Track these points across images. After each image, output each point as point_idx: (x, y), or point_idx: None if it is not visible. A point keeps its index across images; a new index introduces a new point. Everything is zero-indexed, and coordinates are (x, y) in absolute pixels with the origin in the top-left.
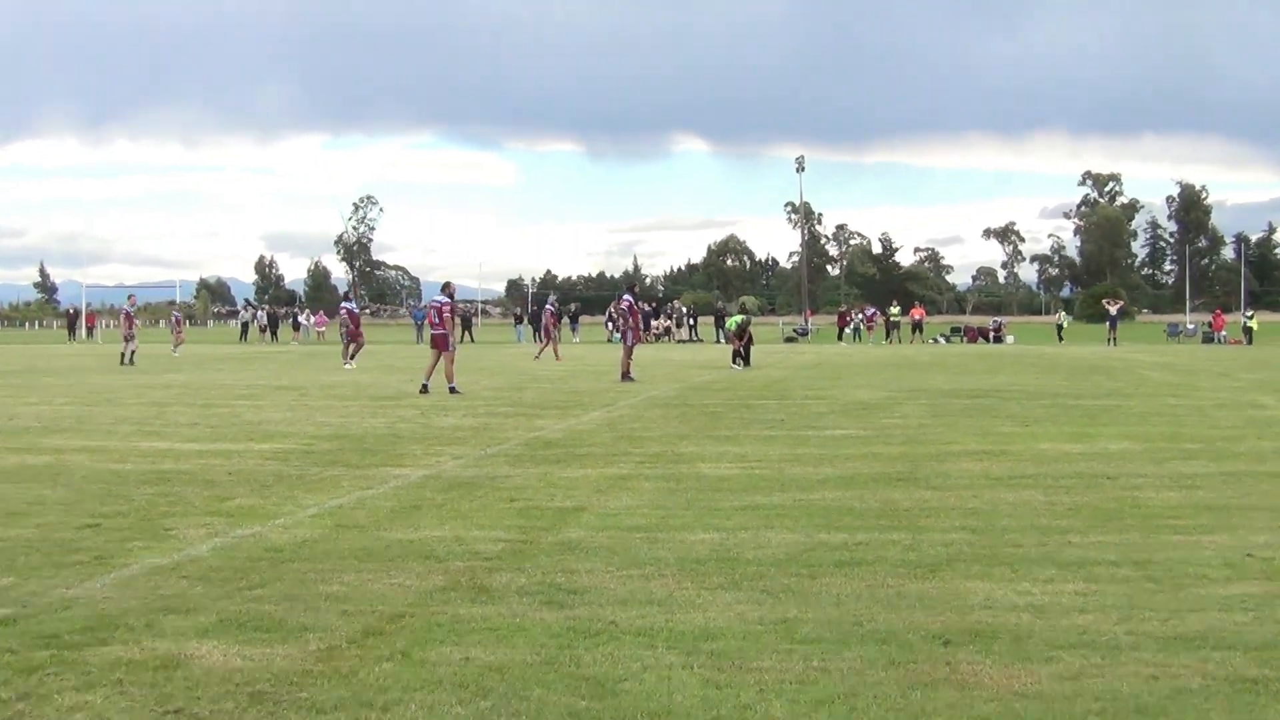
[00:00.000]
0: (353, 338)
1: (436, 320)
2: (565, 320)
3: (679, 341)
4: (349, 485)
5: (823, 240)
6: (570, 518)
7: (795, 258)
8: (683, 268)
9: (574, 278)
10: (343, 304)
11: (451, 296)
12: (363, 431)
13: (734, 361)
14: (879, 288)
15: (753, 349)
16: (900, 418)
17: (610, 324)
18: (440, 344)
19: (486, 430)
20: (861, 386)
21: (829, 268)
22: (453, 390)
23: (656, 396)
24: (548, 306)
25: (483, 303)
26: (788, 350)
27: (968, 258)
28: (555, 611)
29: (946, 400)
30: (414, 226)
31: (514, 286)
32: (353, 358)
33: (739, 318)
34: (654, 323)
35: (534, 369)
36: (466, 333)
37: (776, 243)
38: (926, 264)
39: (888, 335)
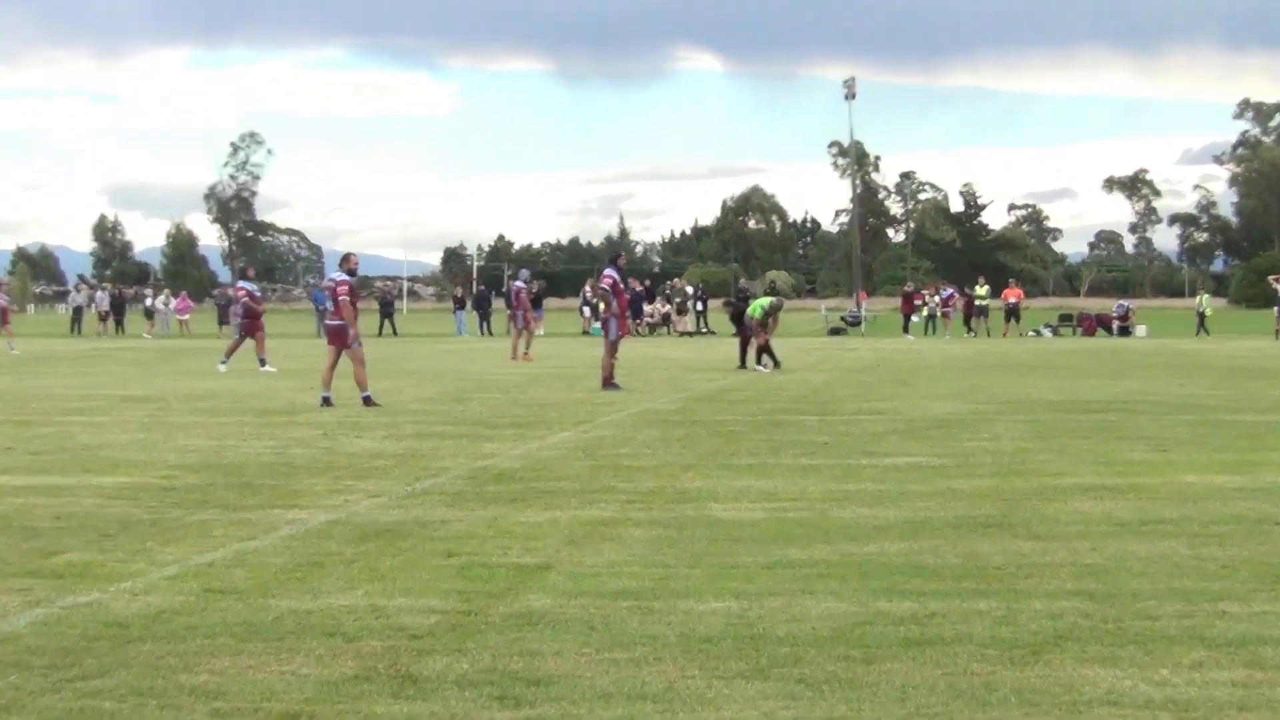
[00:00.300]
0: (249, 332)
1: (333, 306)
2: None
3: (682, 334)
4: (223, 535)
5: (881, 195)
6: (531, 579)
7: (844, 218)
8: (687, 232)
9: (536, 246)
10: (239, 283)
11: (353, 273)
12: (243, 459)
13: (759, 361)
14: (959, 260)
15: (773, 344)
16: (989, 440)
17: (587, 310)
18: (338, 339)
19: (415, 457)
20: (936, 396)
21: (890, 232)
22: (367, 401)
23: (651, 411)
24: (518, 284)
25: (410, 280)
26: (833, 346)
27: (1083, 218)
28: (510, 711)
29: (1054, 416)
30: (315, 175)
31: (453, 258)
32: (231, 354)
33: (766, 301)
34: (647, 308)
35: (487, 373)
36: (386, 322)
37: (817, 198)
38: (1025, 227)
39: (968, 324)
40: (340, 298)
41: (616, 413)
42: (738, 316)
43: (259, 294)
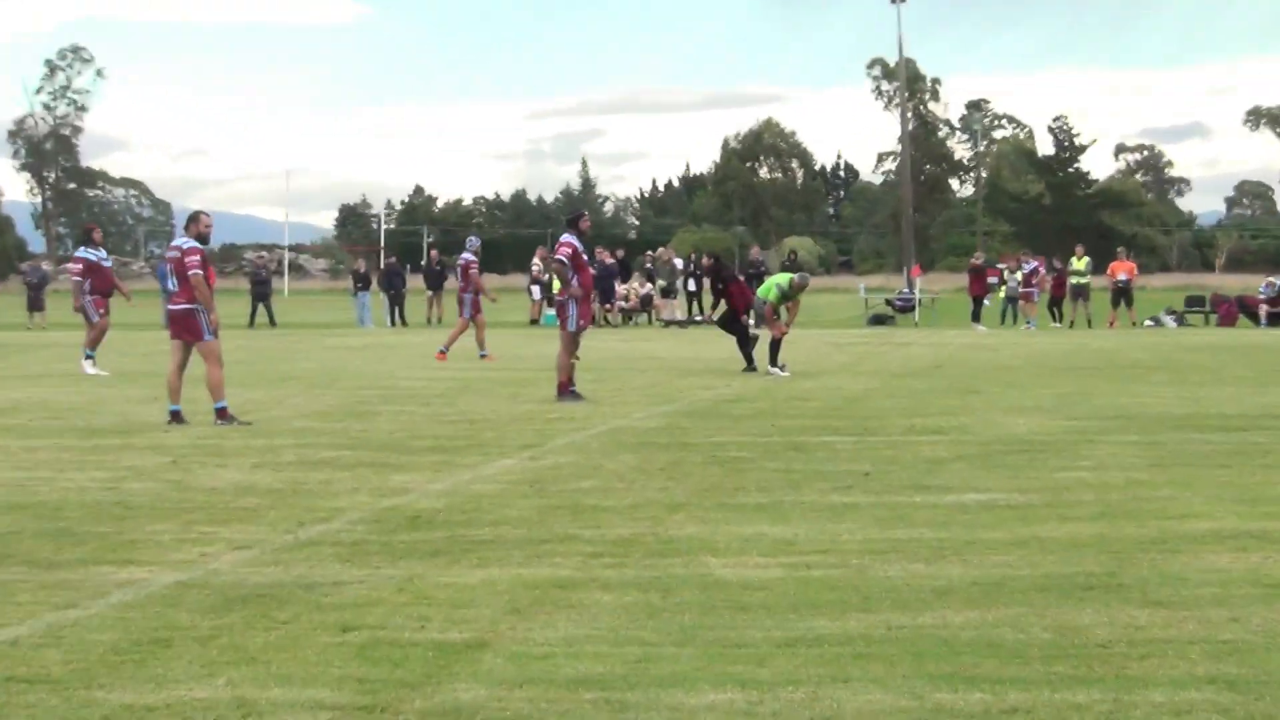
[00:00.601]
0: (88, 316)
1: (178, 284)
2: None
3: (668, 323)
4: (31, 601)
5: (942, 132)
6: (459, 662)
7: (890, 165)
8: (675, 184)
9: (467, 202)
10: (80, 250)
11: (204, 238)
12: (60, 498)
13: (773, 361)
14: (1049, 221)
15: (784, 339)
16: (1090, 469)
17: (537, 290)
18: (185, 328)
19: (298, 494)
20: (1017, 409)
21: (954, 183)
22: (223, 415)
23: (626, 429)
24: (467, 255)
25: (294, 251)
26: (876, 340)
27: (1218, 165)
28: None
29: (1179, 436)
30: (163, 107)
31: (353, 220)
32: (90, 354)
33: (784, 278)
34: (621, 288)
35: (400, 377)
36: (260, 306)
37: (853, 137)
38: (1140, 177)
39: (1056, 310)
40: (190, 272)
41: (578, 432)
42: (723, 288)
43: (109, 264)
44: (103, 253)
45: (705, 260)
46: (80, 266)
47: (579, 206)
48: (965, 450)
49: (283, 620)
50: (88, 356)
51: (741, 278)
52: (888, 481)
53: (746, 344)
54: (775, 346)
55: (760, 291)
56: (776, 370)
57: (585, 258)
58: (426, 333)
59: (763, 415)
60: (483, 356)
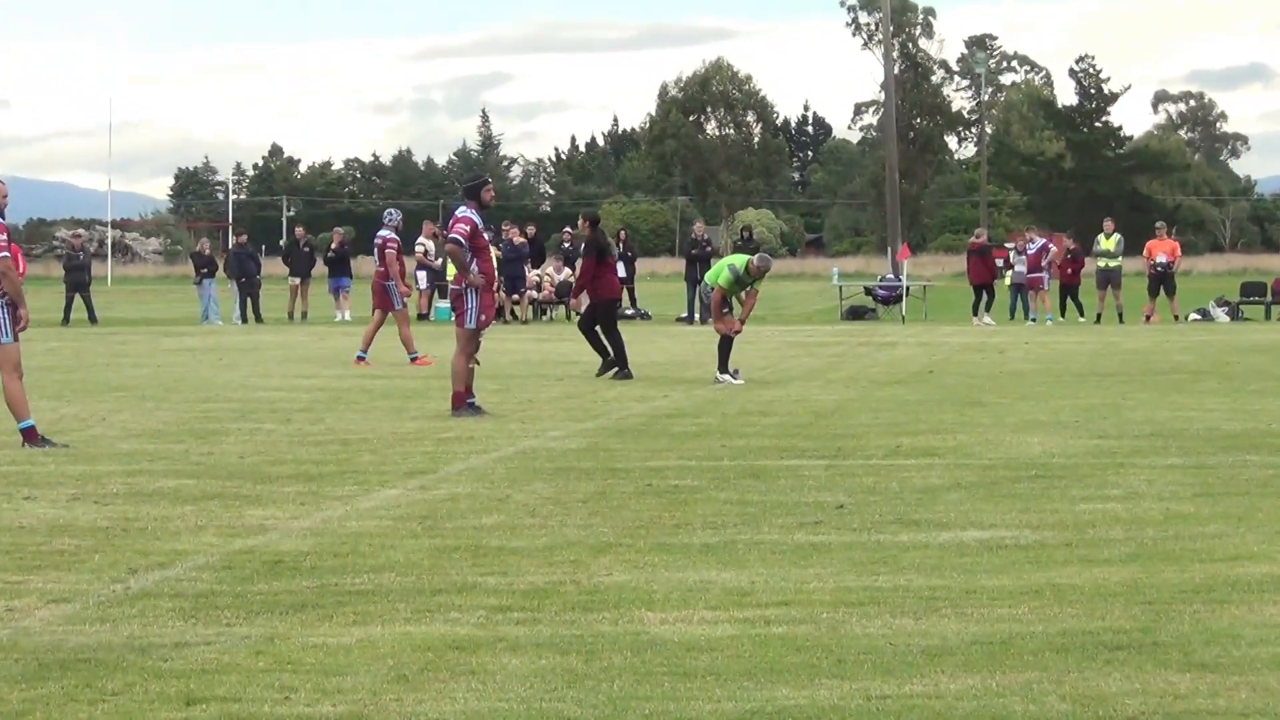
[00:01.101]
0: None
1: None
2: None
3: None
4: None
5: (936, 77)
6: None
7: (870, 118)
8: (600, 142)
9: (337, 166)
10: None
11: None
12: None
13: (722, 368)
14: (1071, 189)
15: (735, 338)
16: (1120, 499)
17: (424, 276)
18: None
19: (129, 534)
20: (1028, 425)
21: (951, 141)
22: (30, 437)
23: (539, 450)
24: (385, 232)
25: (119, 228)
26: (854, 338)
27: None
28: None
29: (1230, 459)
30: None
31: (193, 187)
32: None
33: (739, 260)
34: (532, 274)
35: (254, 387)
36: (77, 297)
37: (825, 82)
38: (1184, 133)
39: (1067, 299)
40: None
41: (479, 455)
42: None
43: None
44: None
45: (581, 223)
46: None
47: (479, 172)
48: (964, 477)
49: (112, 691)
50: None
51: (618, 261)
52: (867, 516)
53: (608, 344)
54: (725, 347)
55: (708, 276)
56: (727, 377)
57: (487, 237)
58: (288, 331)
59: (710, 434)
60: (414, 360)
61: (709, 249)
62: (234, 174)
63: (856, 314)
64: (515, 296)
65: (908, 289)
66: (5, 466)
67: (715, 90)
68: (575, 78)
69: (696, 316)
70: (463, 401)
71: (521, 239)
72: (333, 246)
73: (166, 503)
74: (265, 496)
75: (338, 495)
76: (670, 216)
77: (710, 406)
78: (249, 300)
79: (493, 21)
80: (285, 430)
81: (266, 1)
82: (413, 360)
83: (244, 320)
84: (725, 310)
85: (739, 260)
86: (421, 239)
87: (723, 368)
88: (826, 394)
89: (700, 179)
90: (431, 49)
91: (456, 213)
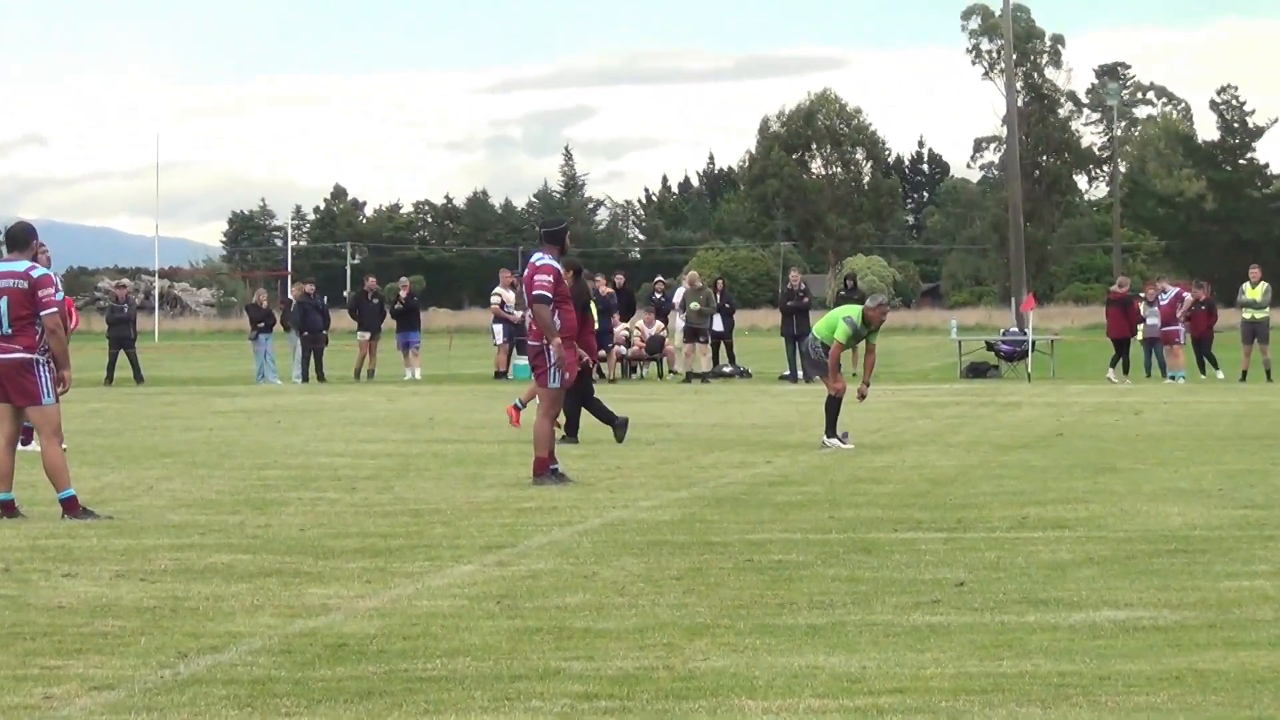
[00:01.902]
0: None
1: (9, 327)
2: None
3: (689, 377)
4: None
5: (1064, 111)
6: None
7: (992, 155)
8: (694, 182)
9: (406, 209)
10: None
11: (36, 256)
12: None
13: (830, 432)
14: (1211, 231)
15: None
16: (1269, 575)
17: (502, 330)
18: (16, 388)
19: (179, 614)
20: (1168, 494)
21: (1081, 181)
22: (71, 508)
23: (628, 522)
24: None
25: (168, 278)
26: (974, 398)
27: None
28: None
29: None
30: None
31: (248, 232)
32: None
33: (854, 310)
34: (621, 329)
35: (316, 451)
36: (122, 354)
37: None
38: None
39: (1204, 360)
40: (45, 311)
41: (563, 527)
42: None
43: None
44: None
45: (565, 272)
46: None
47: (560, 215)
48: (1097, 551)
49: None
50: None
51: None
52: (990, 594)
53: (587, 404)
54: (833, 409)
55: (818, 329)
56: (835, 441)
57: (568, 283)
58: (352, 390)
59: (817, 504)
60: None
61: (806, 300)
62: (293, 218)
63: (977, 371)
64: (602, 352)
65: (1033, 343)
66: (44, 540)
67: (821, 125)
68: (666, 111)
69: (800, 374)
70: (545, 468)
71: (609, 289)
72: (400, 297)
73: (219, 580)
74: (328, 573)
75: (407, 572)
76: (772, 264)
77: (817, 473)
78: (311, 356)
79: (575, 50)
80: (350, 500)
81: (327, 30)
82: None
83: (305, 379)
84: (837, 368)
85: (854, 311)
86: (498, 289)
87: (830, 431)
88: (945, 459)
89: (805, 223)
90: (508, 81)
91: (535, 261)
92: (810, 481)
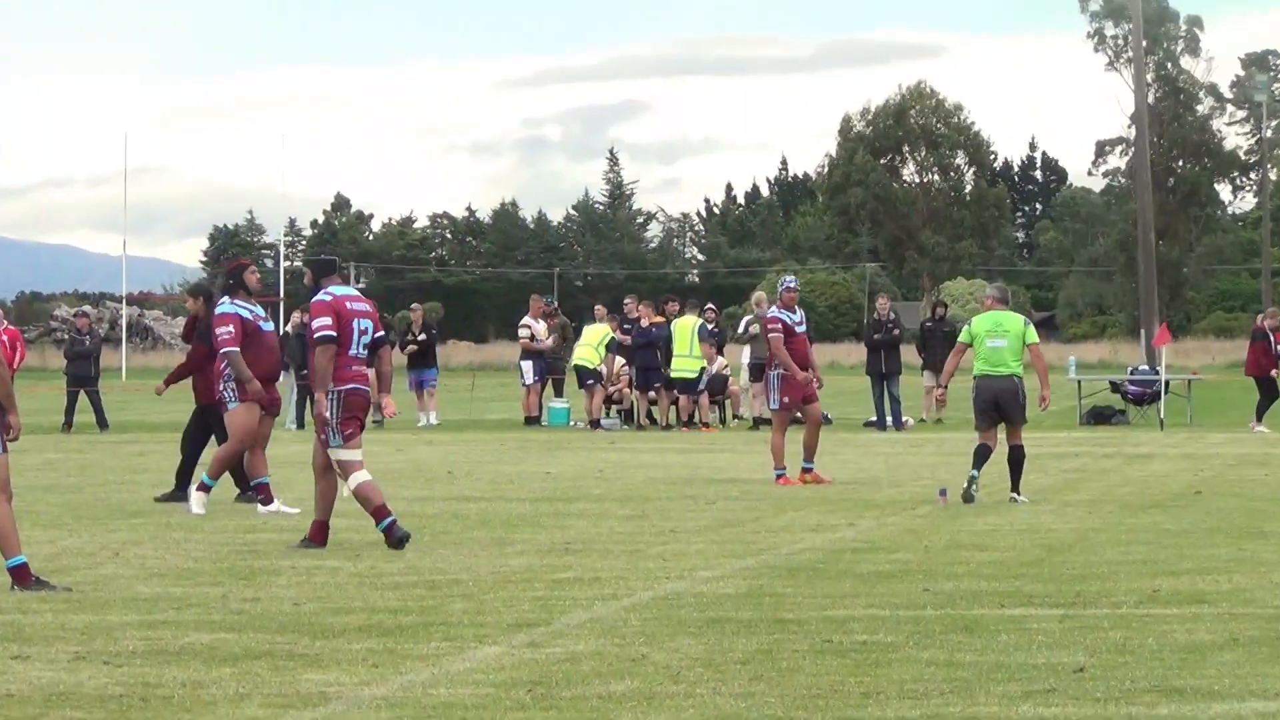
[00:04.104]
0: None
1: None
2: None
3: (756, 423)
4: None
5: (1203, 106)
6: None
7: (1117, 159)
8: (764, 191)
9: (421, 223)
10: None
11: None
12: None
13: (1016, 486)
14: None
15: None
16: None
17: (530, 369)
18: None
19: (150, 705)
20: None
21: (1223, 189)
22: (21, 578)
23: (684, 595)
24: (772, 311)
25: (133, 304)
26: (1095, 448)
27: None
28: None
29: None
30: None
31: (233, 250)
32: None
33: (980, 319)
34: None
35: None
36: (83, 394)
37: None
38: None
39: None
40: None
41: (606, 601)
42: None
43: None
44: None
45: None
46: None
47: (606, 226)
48: (1241, 630)
49: None
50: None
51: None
52: (1115, 681)
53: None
54: (980, 457)
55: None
56: (1017, 498)
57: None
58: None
59: (909, 574)
60: (779, 478)
61: (897, 332)
62: (286, 234)
63: (1100, 417)
64: (651, 394)
65: (1167, 384)
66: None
67: (914, 124)
68: (731, 109)
69: (889, 420)
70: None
71: (658, 318)
72: (413, 329)
73: (198, 663)
74: (327, 655)
75: (421, 654)
76: (855, 289)
77: (908, 539)
78: (309, 398)
79: (625, 37)
80: (353, 569)
81: (325, 14)
82: (778, 478)
83: (300, 425)
84: (987, 424)
85: (981, 323)
86: (527, 319)
87: (1016, 488)
88: (1061, 522)
89: (894, 240)
90: (545, 72)
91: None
92: (901, 548)
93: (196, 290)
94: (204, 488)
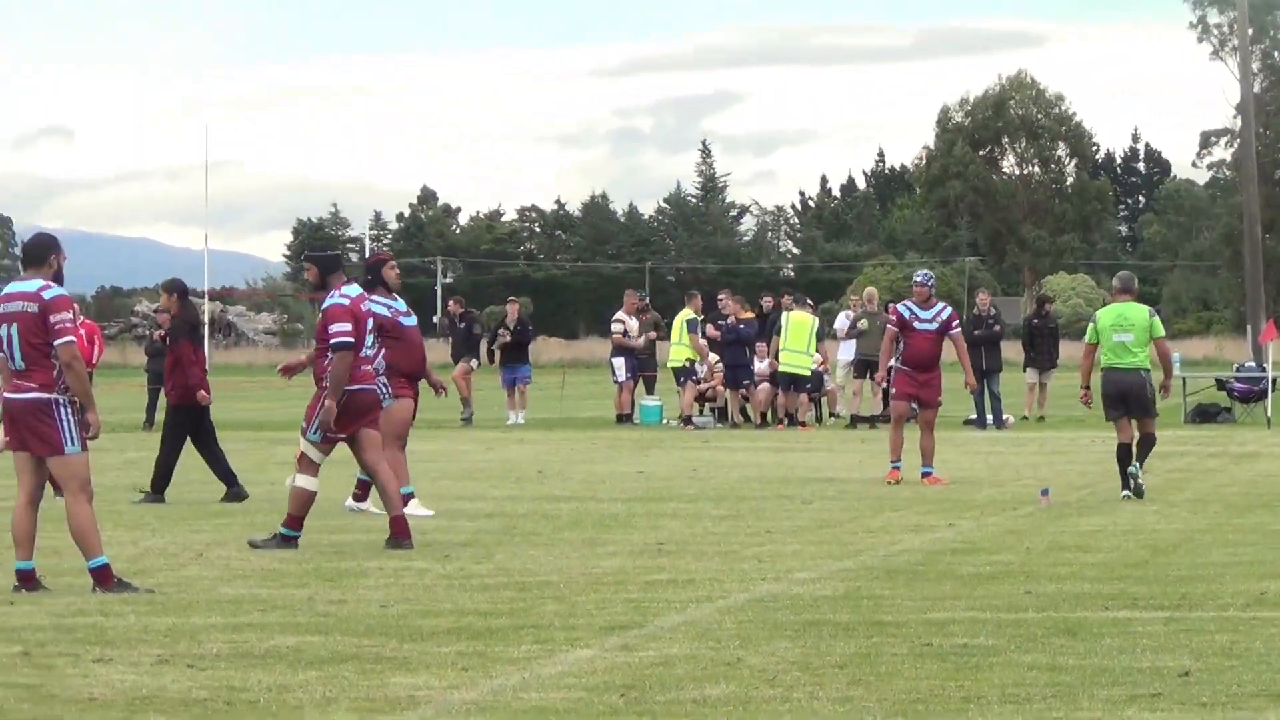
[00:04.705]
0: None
1: (20, 362)
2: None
3: (855, 421)
4: None
5: None
6: None
7: (1222, 150)
8: (860, 181)
9: (508, 216)
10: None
11: (57, 275)
12: None
13: (1127, 483)
14: None
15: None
16: None
17: (622, 366)
18: (33, 434)
19: (235, 709)
20: None
21: None
22: (103, 580)
23: (780, 597)
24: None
25: (216, 300)
26: (1200, 447)
27: None
28: None
29: None
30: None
31: (317, 243)
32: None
33: (1105, 311)
34: (761, 363)
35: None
36: (164, 391)
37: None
38: None
39: None
40: (59, 340)
41: (700, 604)
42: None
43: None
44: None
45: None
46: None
47: (699, 220)
48: None
49: None
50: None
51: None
52: (1221, 685)
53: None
54: (1127, 457)
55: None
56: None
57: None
58: (444, 437)
59: (1011, 576)
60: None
61: (997, 329)
62: (371, 227)
63: (1206, 415)
64: (740, 390)
65: (1274, 381)
66: (71, 618)
67: (1014, 114)
68: (826, 99)
69: (989, 418)
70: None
71: (748, 314)
72: (506, 323)
73: (284, 667)
74: (415, 659)
75: (512, 657)
76: (954, 284)
77: (1010, 540)
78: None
79: (718, 24)
80: (442, 570)
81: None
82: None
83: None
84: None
85: (1105, 316)
86: (620, 314)
87: (1128, 485)
88: (1166, 522)
89: (994, 233)
90: (636, 61)
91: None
92: (1002, 549)
93: (171, 287)
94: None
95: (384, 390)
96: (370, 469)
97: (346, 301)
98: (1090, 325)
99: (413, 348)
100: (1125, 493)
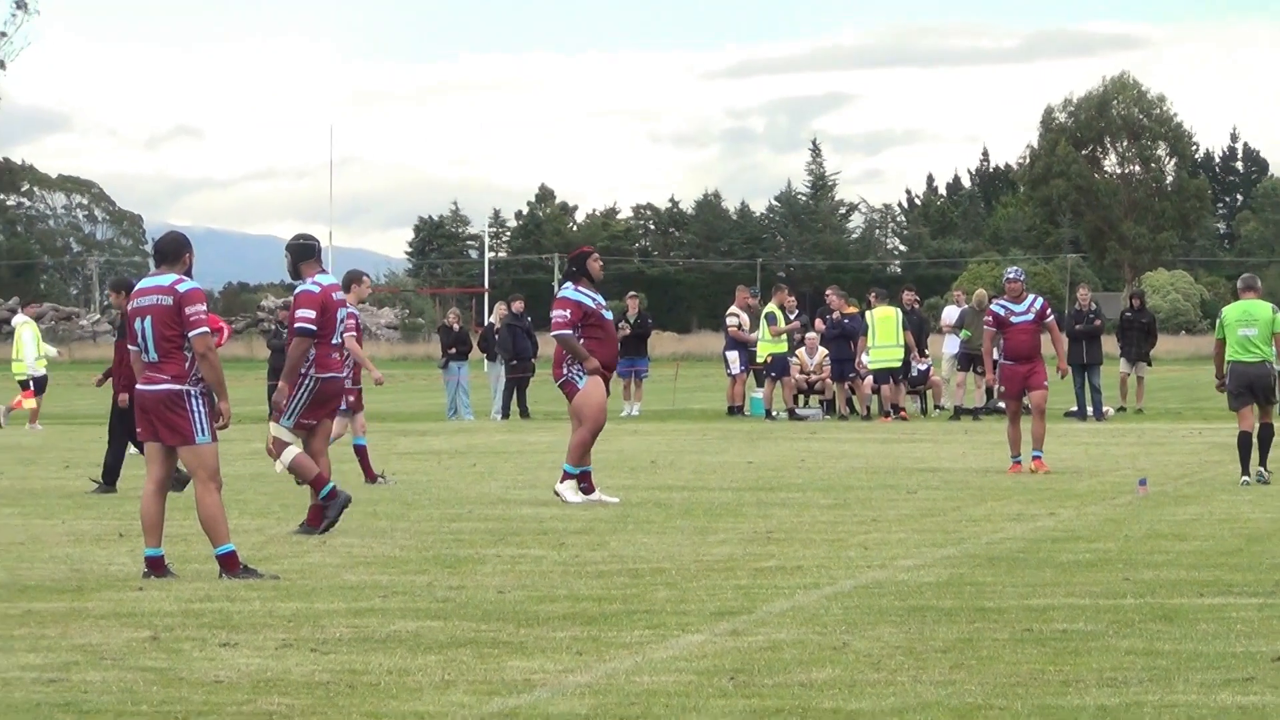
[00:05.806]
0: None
1: (153, 353)
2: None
3: (957, 413)
4: None
5: None
6: None
7: None
8: (966, 180)
9: (624, 214)
10: (569, 291)
11: (188, 271)
12: None
13: (1246, 469)
14: None
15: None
16: None
17: (736, 360)
18: (165, 424)
19: (356, 691)
20: None
21: None
22: (230, 566)
23: (885, 584)
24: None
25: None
26: None
27: None
28: None
29: None
30: (123, 64)
31: (438, 241)
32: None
33: (1231, 310)
34: (867, 358)
35: (517, 499)
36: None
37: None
38: None
39: None
40: (193, 332)
41: (808, 590)
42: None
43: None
44: (599, 297)
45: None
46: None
47: (808, 217)
48: None
49: None
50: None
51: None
52: None
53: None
54: (1263, 442)
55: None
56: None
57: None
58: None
59: (1109, 563)
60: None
61: (1098, 323)
62: (491, 225)
63: None
64: (847, 383)
65: None
66: (198, 603)
67: (1116, 115)
68: (934, 100)
69: (1089, 410)
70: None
71: (852, 309)
72: (627, 316)
73: (404, 651)
74: (531, 643)
75: (625, 642)
76: (1057, 280)
77: (1109, 528)
78: (515, 389)
79: (830, 27)
80: (557, 557)
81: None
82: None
83: (505, 415)
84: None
85: (1231, 312)
86: (734, 309)
87: (1248, 474)
88: (1261, 511)
89: (1095, 231)
90: (748, 63)
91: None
92: (1101, 538)
93: (119, 285)
94: (568, 476)
95: (576, 375)
96: (314, 456)
97: (317, 289)
98: (1218, 321)
99: (610, 339)
100: (1245, 479)
